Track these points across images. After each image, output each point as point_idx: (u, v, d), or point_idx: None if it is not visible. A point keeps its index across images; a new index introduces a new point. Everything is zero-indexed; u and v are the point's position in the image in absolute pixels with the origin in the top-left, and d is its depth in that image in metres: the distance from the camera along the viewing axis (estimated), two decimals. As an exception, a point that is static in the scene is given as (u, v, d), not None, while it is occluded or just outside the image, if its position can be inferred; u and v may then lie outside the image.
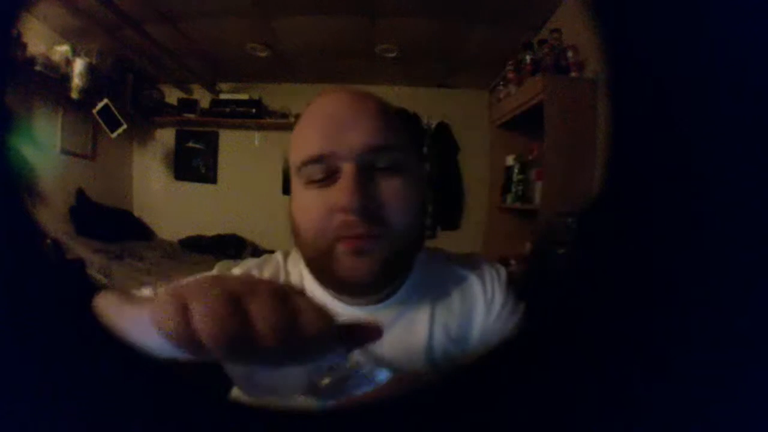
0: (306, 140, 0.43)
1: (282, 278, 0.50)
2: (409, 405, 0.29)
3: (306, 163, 0.42)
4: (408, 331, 0.46)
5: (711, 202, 0.25)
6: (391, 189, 0.41)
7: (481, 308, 0.48)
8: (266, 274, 0.51)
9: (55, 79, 2.20)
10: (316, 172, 0.41)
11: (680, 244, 0.25)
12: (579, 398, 0.26)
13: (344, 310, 0.46)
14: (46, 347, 0.28)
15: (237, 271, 0.50)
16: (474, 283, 0.49)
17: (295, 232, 0.44)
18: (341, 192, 0.39)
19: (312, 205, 0.41)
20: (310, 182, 0.42)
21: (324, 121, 0.42)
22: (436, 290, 0.48)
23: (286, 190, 0.50)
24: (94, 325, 0.30)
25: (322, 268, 0.42)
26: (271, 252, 0.56)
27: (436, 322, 0.47)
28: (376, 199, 0.40)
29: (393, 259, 0.41)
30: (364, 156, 0.40)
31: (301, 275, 0.50)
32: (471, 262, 0.52)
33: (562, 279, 0.31)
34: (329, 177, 0.41)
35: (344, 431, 0.29)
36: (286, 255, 0.53)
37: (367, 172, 0.40)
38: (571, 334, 0.27)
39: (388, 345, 0.45)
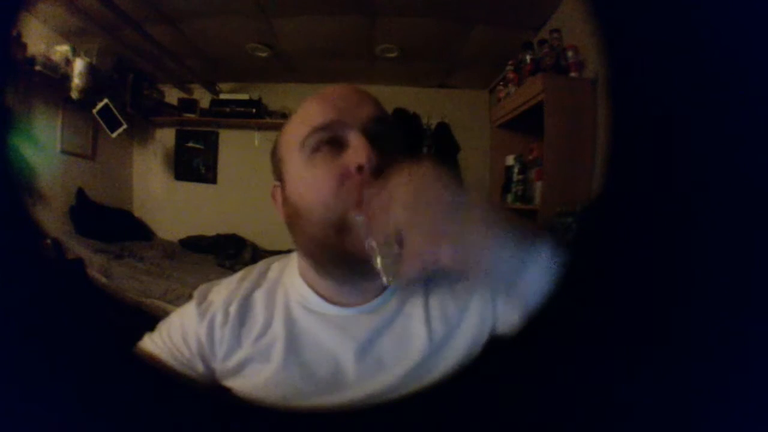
0: (312, 113, 0.44)
1: (267, 285, 0.51)
2: (406, 405, 0.29)
3: (312, 134, 0.42)
4: (405, 325, 0.46)
5: (711, 202, 0.25)
6: (396, 155, 0.41)
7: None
8: (251, 279, 0.51)
9: (55, 79, 2.20)
10: (323, 141, 0.42)
11: (680, 244, 0.25)
12: (577, 397, 0.26)
13: (338, 311, 0.47)
14: (46, 346, 0.28)
15: (221, 288, 0.51)
16: None
17: (296, 216, 0.44)
18: (354, 152, 0.40)
19: (320, 176, 0.41)
20: (317, 152, 0.42)
21: (330, 98, 0.44)
22: (428, 280, 0.49)
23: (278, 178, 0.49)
24: (93, 325, 0.30)
25: (330, 248, 0.42)
26: (271, 252, 0.55)
27: (432, 307, 0.47)
28: (385, 163, 0.40)
29: None
30: (371, 126, 0.42)
31: (290, 281, 0.50)
32: None
33: (562, 279, 0.31)
34: (337, 146, 0.42)
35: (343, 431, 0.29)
36: (268, 265, 0.54)
37: (373, 141, 0.41)
38: (570, 333, 0.27)
39: (388, 340, 0.45)
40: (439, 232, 0.31)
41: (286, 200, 0.46)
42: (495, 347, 0.47)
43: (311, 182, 0.42)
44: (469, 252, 0.31)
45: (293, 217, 0.45)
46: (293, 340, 0.46)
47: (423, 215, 0.32)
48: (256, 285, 0.50)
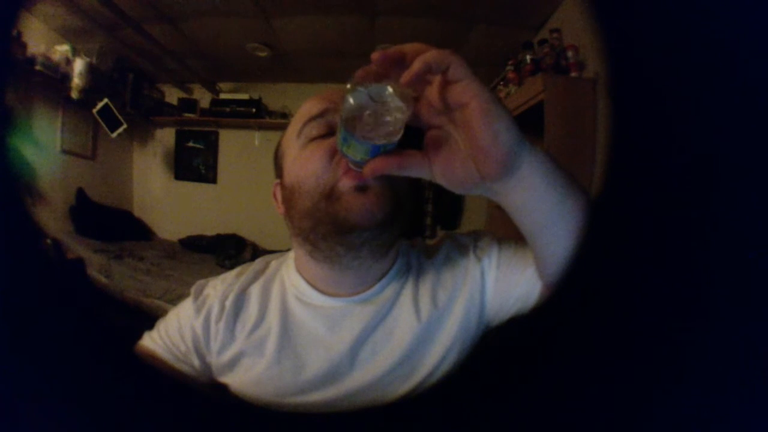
0: (307, 108, 0.47)
1: (263, 279, 0.51)
2: (403, 406, 0.29)
3: (307, 122, 0.45)
4: (397, 315, 0.47)
5: (710, 202, 0.25)
6: None
7: (469, 272, 0.49)
8: (248, 275, 0.52)
9: (55, 79, 2.20)
10: (317, 127, 0.45)
11: (680, 244, 0.25)
12: (575, 398, 0.26)
13: (333, 303, 0.47)
14: (46, 346, 0.28)
15: (217, 283, 0.51)
16: (453, 252, 0.51)
17: (291, 196, 0.45)
18: None
19: (313, 154, 0.43)
20: (311, 140, 0.45)
21: (322, 95, 0.47)
22: (417, 270, 0.50)
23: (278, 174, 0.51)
24: (93, 325, 0.30)
25: (322, 219, 0.42)
26: (271, 251, 0.56)
27: (422, 296, 0.48)
28: None
29: (391, 202, 0.42)
30: None
31: (286, 275, 0.51)
32: (448, 238, 0.54)
33: (561, 279, 0.31)
34: (329, 133, 0.44)
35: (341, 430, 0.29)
36: (265, 261, 0.55)
37: None
38: (569, 332, 0.27)
39: (382, 330, 0.46)
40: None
41: (284, 188, 0.47)
42: (484, 346, 0.47)
43: (304, 160, 0.44)
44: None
45: (289, 200, 0.46)
46: (287, 332, 0.47)
47: None
48: (252, 280, 0.51)
